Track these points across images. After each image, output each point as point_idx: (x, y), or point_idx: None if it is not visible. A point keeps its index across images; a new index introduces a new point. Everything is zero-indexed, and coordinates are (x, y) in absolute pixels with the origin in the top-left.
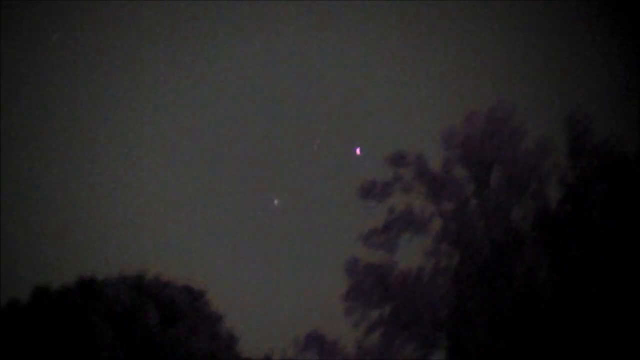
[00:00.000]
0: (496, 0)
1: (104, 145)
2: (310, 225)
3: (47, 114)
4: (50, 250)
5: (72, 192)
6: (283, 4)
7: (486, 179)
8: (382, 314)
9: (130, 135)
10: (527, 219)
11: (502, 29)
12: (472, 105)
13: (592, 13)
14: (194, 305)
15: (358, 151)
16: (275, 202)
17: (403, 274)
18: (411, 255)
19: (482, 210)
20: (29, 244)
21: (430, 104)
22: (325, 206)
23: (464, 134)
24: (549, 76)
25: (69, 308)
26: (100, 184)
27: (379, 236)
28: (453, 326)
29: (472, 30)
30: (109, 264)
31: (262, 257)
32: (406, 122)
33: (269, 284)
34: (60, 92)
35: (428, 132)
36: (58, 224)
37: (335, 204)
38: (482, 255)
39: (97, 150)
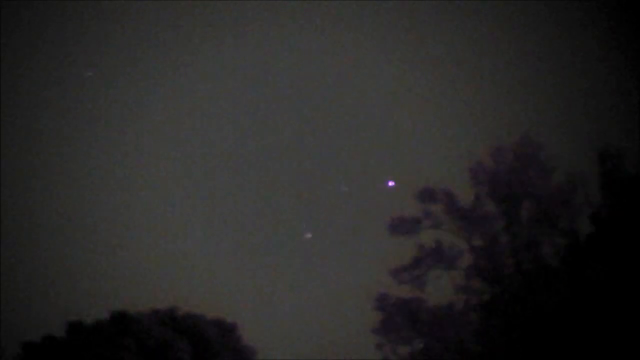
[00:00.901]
0: (524, 34)
1: (141, 175)
2: (341, 260)
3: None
4: (83, 285)
5: (105, 228)
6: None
7: (516, 214)
8: (413, 350)
9: (168, 164)
10: (557, 255)
11: (532, 63)
12: (501, 139)
13: (622, 46)
14: (226, 339)
15: (391, 183)
16: (309, 235)
17: (433, 309)
18: (441, 290)
19: (512, 245)
20: (63, 278)
21: (459, 138)
22: (356, 241)
23: (492, 168)
24: (579, 110)
25: (102, 343)
26: (133, 219)
27: (409, 271)
28: None
29: (501, 65)
30: (141, 298)
31: (294, 291)
32: (435, 157)
33: (301, 318)
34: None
35: (457, 167)
36: (90, 259)
37: (365, 239)
38: (513, 290)
39: (133, 184)
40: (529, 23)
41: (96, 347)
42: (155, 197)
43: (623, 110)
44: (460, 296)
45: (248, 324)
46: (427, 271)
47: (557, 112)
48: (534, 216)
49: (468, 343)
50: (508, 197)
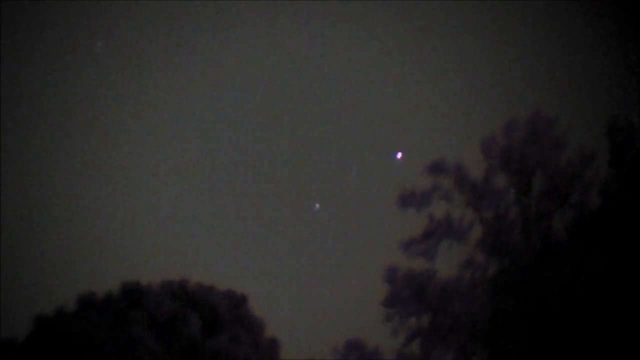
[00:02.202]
0: (537, 11)
1: (146, 155)
2: (350, 232)
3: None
4: (95, 258)
5: (114, 201)
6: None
7: (527, 188)
8: (421, 323)
9: (173, 146)
10: (567, 229)
11: (543, 37)
12: (513, 113)
13: (633, 22)
14: (236, 312)
15: (399, 155)
16: (317, 206)
17: (442, 282)
18: (450, 263)
19: (522, 219)
20: (74, 251)
21: (471, 112)
22: (365, 213)
23: (503, 142)
24: (591, 84)
25: (113, 316)
26: (143, 193)
27: (419, 244)
28: (492, 336)
29: (513, 40)
30: (153, 271)
31: (303, 264)
32: (447, 130)
33: (309, 291)
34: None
35: (468, 140)
36: (101, 232)
37: (375, 212)
38: (522, 264)
39: (145, 161)
40: None
41: (107, 321)
42: (166, 169)
43: (634, 84)
44: (469, 270)
45: (257, 296)
46: (437, 244)
47: (569, 87)
48: (545, 190)
49: (476, 316)
50: (519, 171)
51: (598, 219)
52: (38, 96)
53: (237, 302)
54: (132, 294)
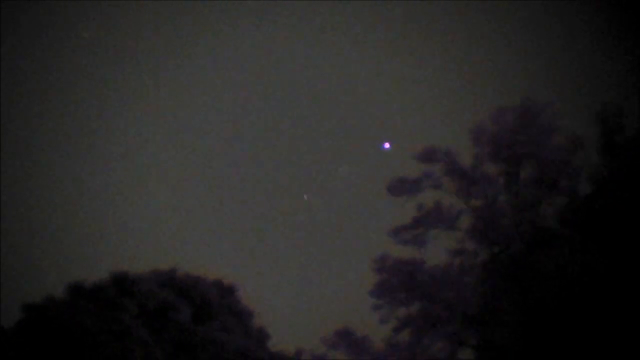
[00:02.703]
0: None
1: (143, 143)
2: (339, 221)
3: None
4: (84, 247)
5: (104, 190)
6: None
7: (516, 175)
8: (411, 311)
9: (170, 134)
10: (556, 216)
11: (531, 24)
12: (502, 101)
13: (623, 8)
14: (226, 301)
15: (387, 145)
16: (305, 197)
17: (431, 270)
18: (440, 251)
19: (511, 206)
20: (62, 241)
21: (460, 100)
22: (354, 202)
23: (493, 129)
24: (579, 72)
25: (102, 304)
26: (132, 182)
27: (408, 232)
28: (482, 323)
29: (501, 26)
30: (142, 260)
31: (291, 253)
32: (436, 118)
33: (299, 280)
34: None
35: (457, 128)
36: (91, 221)
37: (364, 200)
38: (511, 251)
39: (136, 152)
40: None
41: (97, 309)
42: (156, 161)
43: (623, 70)
44: (459, 257)
45: (246, 286)
46: (427, 231)
47: (557, 73)
48: (534, 177)
49: (466, 304)
50: (508, 158)
51: (588, 205)
52: (38, 94)
53: (226, 291)
54: (122, 282)
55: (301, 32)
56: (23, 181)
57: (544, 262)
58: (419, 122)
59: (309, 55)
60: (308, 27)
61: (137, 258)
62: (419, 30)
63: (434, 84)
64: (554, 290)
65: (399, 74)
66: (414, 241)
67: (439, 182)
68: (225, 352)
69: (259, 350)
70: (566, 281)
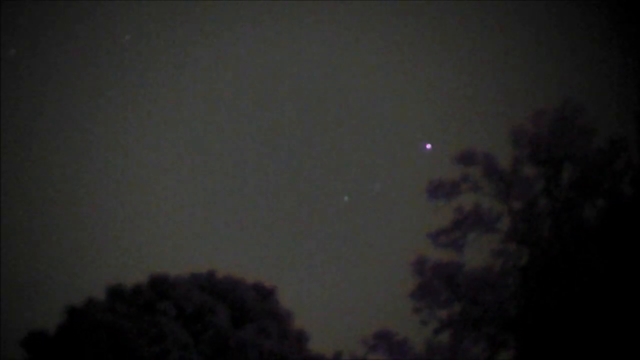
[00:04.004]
0: None
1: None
2: (378, 223)
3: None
4: (123, 249)
5: (142, 191)
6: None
7: (556, 178)
8: (451, 313)
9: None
10: (598, 218)
11: (574, 25)
12: (541, 103)
13: None
14: (264, 303)
15: (428, 146)
16: (346, 198)
17: (471, 273)
18: (479, 254)
19: (551, 208)
20: (102, 244)
21: (499, 102)
22: (394, 205)
23: (533, 131)
24: (621, 71)
25: (141, 307)
26: (172, 186)
27: (447, 235)
28: (521, 326)
29: (541, 28)
30: (180, 264)
31: (331, 255)
32: (475, 121)
33: (338, 282)
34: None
35: (497, 131)
36: (130, 224)
37: (404, 203)
38: (551, 254)
39: (175, 152)
40: None
41: (135, 312)
42: (195, 161)
43: None
44: (498, 260)
45: (285, 289)
46: (466, 234)
47: (598, 74)
48: (575, 179)
49: (506, 306)
50: (548, 160)
51: (630, 208)
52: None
53: (265, 294)
54: (160, 285)
55: (338, 30)
56: (55, 182)
57: (585, 264)
58: (456, 125)
59: (343, 54)
60: (345, 24)
61: (176, 260)
62: (457, 31)
63: (471, 85)
64: (594, 293)
65: (437, 76)
66: (453, 244)
67: (478, 184)
68: (263, 355)
69: (297, 353)
70: (607, 284)
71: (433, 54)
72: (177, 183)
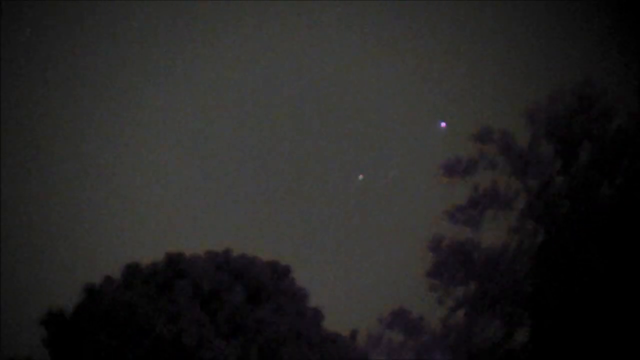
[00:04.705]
0: None
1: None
2: (394, 202)
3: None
4: (139, 227)
5: (158, 173)
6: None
7: (574, 156)
8: (467, 292)
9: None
10: (616, 197)
11: (593, 6)
12: (559, 83)
13: None
14: (280, 282)
15: (443, 124)
16: (360, 177)
17: (487, 251)
18: (496, 232)
19: (568, 187)
20: (119, 222)
21: (517, 80)
22: (410, 182)
23: (550, 110)
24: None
25: (158, 285)
26: (185, 167)
27: (464, 213)
28: (537, 304)
29: (561, 8)
30: (196, 242)
31: (347, 233)
32: (492, 99)
33: (354, 261)
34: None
35: (514, 109)
36: (146, 203)
37: (420, 180)
38: (568, 232)
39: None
40: None
41: (152, 290)
42: (211, 143)
43: None
44: (514, 238)
45: (300, 268)
46: (482, 212)
47: (617, 55)
48: (593, 158)
49: (522, 285)
50: (566, 138)
51: None
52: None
53: (281, 272)
54: (177, 264)
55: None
56: (72, 167)
57: (601, 243)
58: (476, 102)
59: (359, 35)
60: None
61: (191, 240)
62: (474, 10)
63: (488, 64)
64: (610, 272)
65: (456, 54)
66: (470, 222)
67: (494, 162)
68: (279, 333)
69: (313, 331)
70: (624, 262)
71: (449, 33)
72: (193, 163)
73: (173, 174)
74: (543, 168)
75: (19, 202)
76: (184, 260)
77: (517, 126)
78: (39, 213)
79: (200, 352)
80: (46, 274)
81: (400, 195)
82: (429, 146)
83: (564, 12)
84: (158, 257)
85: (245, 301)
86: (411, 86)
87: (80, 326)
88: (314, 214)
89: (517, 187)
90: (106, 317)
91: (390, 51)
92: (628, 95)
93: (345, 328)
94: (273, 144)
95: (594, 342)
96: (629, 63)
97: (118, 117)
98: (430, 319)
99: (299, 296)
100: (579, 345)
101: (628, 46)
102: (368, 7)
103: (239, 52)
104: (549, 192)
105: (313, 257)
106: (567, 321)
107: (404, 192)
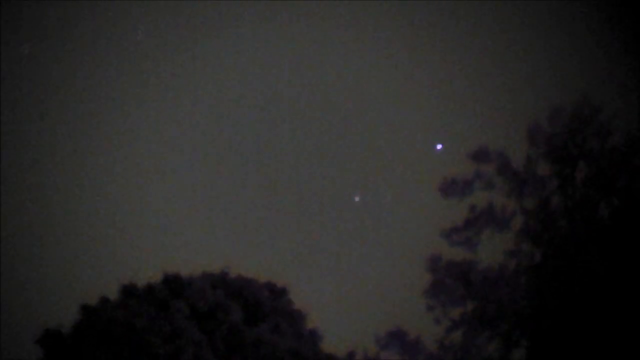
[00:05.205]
0: None
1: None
2: (391, 222)
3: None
4: (136, 248)
5: (152, 193)
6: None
7: (571, 176)
8: (464, 312)
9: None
10: (613, 216)
11: (589, 22)
12: (556, 102)
13: None
14: (277, 302)
15: (439, 147)
16: (356, 199)
17: (485, 271)
18: (493, 252)
19: (565, 207)
20: (115, 242)
21: (514, 100)
22: (406, 203)
23: (549, 130)
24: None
25: (154, 305)
26: (182, 184)
27: (461, 233)
28: (535, 324)
29: (557, 26)
30: (192, 263)
31: (343, 254)
32: (489, 118)
33: (350, 281)
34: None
35: (511, 128)
36: (142, 223)
37: (416, 201)
38: (565, 252)
39: (187, 150)
40: None
41: (149, 310)
42: (205, 160)
43: None
44: (512, 258)
45: (297, 288)
46: (479, 232)
47: (615, 73)
48: (590, 177)
49: (519, 305)
50: (563, 158)
51: None
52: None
53: (278, 293)
54: (174, 284)
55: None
56: (66, 181)
57: (599, 263)
58: (473, 122)
59: (355, 53)
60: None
61: (189, 260)
62: (469, 28)
63: (484, 84)
64: (608, 291)
65: (448, 74)
66: (467, 242)
67: (491, 182)
68: (276, 353)
69: (310, 351)
70: (621, 282)
71: (445, 52)
72: (189, 183)
73: (171, 197)
74: (540, 188)
75: (17, 217)
76: (181, 281)
77: (513, 145)
78: (34, 229)
79: None
80: (42, 294)
81: (398, 216)
82: (425, 166)
83: (559, 31)
84: (154, 277)
85: (243, 321)
86: (409, 106)
87: (78, 345)
88: (311, 234)
89: (514, 207)
90: (103, 336)
91: (389, 72)
92: (625, 112)
93: (343, 349)
94: (270, 166)
95: None
96: (626, 80)
97: (112, 136)
98: (427, 339)
99: (296, 317)
100: None
101: (625, 63)
102: (363, 30)
103: (237, 59)
104: (546, 212)
105: (310, 277)
106: (564, 341)
107: (401, 212)
